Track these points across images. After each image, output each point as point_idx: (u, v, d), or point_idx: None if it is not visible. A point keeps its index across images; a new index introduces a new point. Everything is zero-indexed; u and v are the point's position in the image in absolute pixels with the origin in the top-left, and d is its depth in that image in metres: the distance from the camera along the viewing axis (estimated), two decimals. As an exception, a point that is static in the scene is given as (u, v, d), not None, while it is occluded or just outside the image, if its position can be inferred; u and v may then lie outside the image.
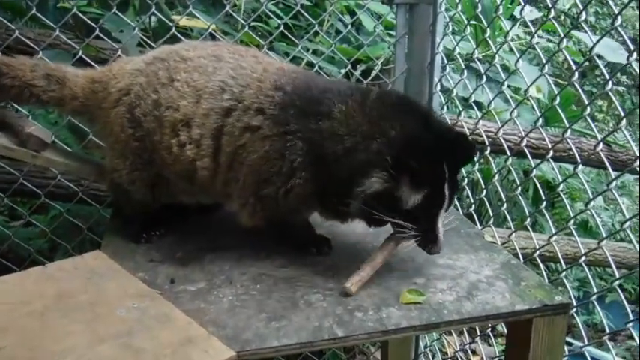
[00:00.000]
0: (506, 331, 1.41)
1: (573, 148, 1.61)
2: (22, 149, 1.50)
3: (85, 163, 1.65)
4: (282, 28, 2.04)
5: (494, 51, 1.88)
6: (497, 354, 2.21)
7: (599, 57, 1.53)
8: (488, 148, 1.89)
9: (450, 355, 2.42)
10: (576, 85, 1.54)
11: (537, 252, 1.69)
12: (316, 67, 2.04)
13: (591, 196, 1.52)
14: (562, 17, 4.91)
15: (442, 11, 1.91)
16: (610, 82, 1.41)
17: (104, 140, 1.54)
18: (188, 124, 1.35)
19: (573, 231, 1.62)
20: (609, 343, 1.50)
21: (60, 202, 2.07)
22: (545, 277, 1.52)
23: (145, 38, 1.93)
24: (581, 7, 1.49)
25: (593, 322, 3.42)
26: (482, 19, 1.95)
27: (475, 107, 2.04)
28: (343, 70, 2.12)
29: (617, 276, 1.48)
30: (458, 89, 1.98)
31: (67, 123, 1.96)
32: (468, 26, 1.94)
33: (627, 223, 1.43)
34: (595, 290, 1.58)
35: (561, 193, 1.76)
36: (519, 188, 1.82)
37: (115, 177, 1.47)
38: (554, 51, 1.91)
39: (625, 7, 1.45)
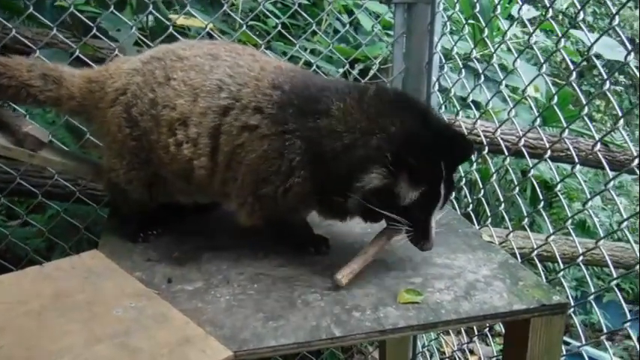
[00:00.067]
0: (503, 330, 1.41)
1: (571, 147, 1.61)
2: (18, 148, 1.49)
3: (82, 162, 1.64)
4: (280, 28, 2.04)
5: (492, 50, 1.88)
6: (495, 354, 2.21)
7: (597, 57, 1.53)
8: (486, 148, 1.89)
9: (447, 355, 2.42)
10: (574, 84, 1.54)
11: (535, 252, 1.69)
12: (314, 67, 2.04)
13: (589, 196, 1.52)
14: (560, 17, 4.91)
15: (440, 11, 1.91)
16: (608, 81, 1.40)
17: (101, 140, 1.53)
18: (185, 122, 1.35)
19: (571, 231, 1.62)
20: (607, 343, 1.50)
21: (57, 202, 2.07)
22: (543, 277, 1.52)
23: (142, 37, 1.93)
24: (579, 7, 1.49)
25: (591, 322, 3.43)
26: (480, 18, 1.95)
27: (473, 107, 2.04)
28: (341, 70, 2.12)
29: (615, 276, 1.47)
30: (456, 89, 1.98)
31: (65, 122, 1.96)
32: (466, 26, 1.94)
33: (625, 223, 1.43)
34: (593, 290, 1.58)
35: (559, 193, 1.76)
36: (517, 188, 1.82)
37: (112, 176, 1.47)
38: (552, 51, 1.91)
39: (623, 7, 1.45)
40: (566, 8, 4.78)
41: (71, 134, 2.14)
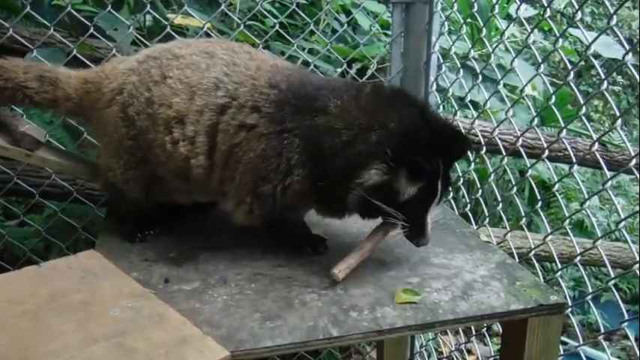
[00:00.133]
0: (501, 330, 1.41)
1: (569, 147, 1.62)
2: (15, 148, 1.49)
3: (80, 162, 1.64)
4: (277, 27, 2.03)
5: (490, 50, 1.88)
6: (493, 353, 2.21)
7: (595, 56, 1.53)
8: (484, 148, 1.89)
9: (445, 355, 2.42)
10: (572, 84, 1.54)
11: (533, 252, 1.69)
12: (312, 66, 2.04)
13: (587, 196, 1.52)
14: (558, 17, 4.91)
15: (438, 10, 1.91)
16: (606, 81, 1.41)
17: (98, 140, 1.53)
18: (182, 121, 1.35)
19: (569, 231, 1.62)
20: (604, 343, 1.50)
21: (54, 202, 2.07)
22: (541, 277, 1.53)
23: (139, 37, 1.93)
24: (576, 7, 1.49)
25: (589, 322, 3.43)
26: (478, 18, 1.95)
27: (471, 107, 2.04)
28: (339, 70, 2.12)
29: (613, 276, 1.47)
30: (454, 88, 1.98)
31: (62, 122, 1.96)
32: (464, 25, 1.94)
33: (622, 223, 1.43)
34: (590, 290, 1.58)
35: (557, 193, 1.76)
36: (515, 188, 1.82)
37: (110, 176, 1.46)
38: (549, 50, 1.91)
39: (620, 7, 1.45)
40: (564, 8, 4.78)
41: (68, 134, 2.13)
